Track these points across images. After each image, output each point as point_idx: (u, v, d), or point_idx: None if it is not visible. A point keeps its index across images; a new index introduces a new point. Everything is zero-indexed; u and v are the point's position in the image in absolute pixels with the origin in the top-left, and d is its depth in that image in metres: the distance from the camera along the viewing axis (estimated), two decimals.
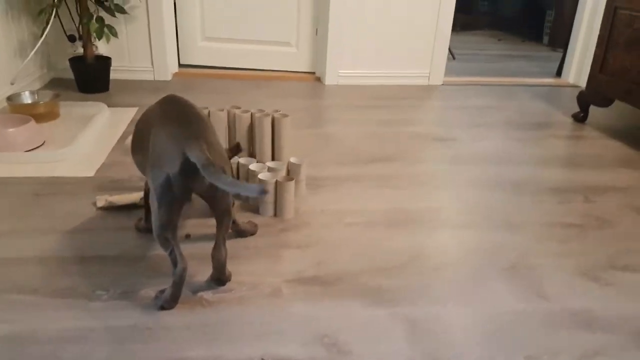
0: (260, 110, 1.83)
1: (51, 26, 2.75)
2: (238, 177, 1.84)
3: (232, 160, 1.65)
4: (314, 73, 3.61)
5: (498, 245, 1.64)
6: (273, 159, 1.87)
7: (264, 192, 1.07)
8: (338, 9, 3.27)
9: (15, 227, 1.59)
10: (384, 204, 1.87)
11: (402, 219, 1.77)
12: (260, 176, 1.67)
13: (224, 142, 1.84)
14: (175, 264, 1.25)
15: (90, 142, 2.19)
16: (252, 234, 1.58)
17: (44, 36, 2.73)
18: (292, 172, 1.84)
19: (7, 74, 2.62)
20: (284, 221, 1.70)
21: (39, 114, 2.35)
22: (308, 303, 1.33)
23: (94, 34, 2.82)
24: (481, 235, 1.69)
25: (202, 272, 1.41)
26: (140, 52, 3.22)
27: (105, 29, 2.82)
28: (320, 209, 1.81)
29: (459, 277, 1.47)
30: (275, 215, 1.71)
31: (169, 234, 1.23)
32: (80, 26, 2.85)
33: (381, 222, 1.75)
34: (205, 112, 1.78)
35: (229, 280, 1.38)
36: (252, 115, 1.81)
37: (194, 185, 1.20)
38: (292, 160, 1.85)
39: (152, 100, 1.60)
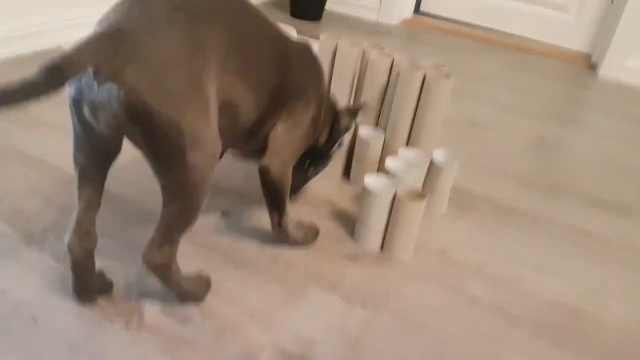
0: (414, 62, 1.12)
1: None
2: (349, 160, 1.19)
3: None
4: (589, 56, 2.55)
5: None
6: (408, 143, 1.16)
7: None
8: None
9: None
10: (566, 287, 0.99)
11: (586, 332, 0.89)
12: (366, 180, 0.99)
13: (345, 100, 1.21)
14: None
15: None
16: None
17: None
18: (430, 175, 1.11)
19: None
20: (388, 263, 1.01)
21: None
22: None
23: None
24: None
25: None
26: None
27: None
28: (439, 249, 1.05)
29: None
30: (382, 249, 1.02)
31: (77, 170, 0.73)
32: None
33: (542, 325, 0.90)
34: (333, 44, 1.17)
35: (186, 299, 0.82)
36: (392, 63, 1.12)
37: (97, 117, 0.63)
38: (436, 155, 1.11)
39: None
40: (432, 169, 1.10)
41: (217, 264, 0.92)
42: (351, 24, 2.62)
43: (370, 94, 1.16)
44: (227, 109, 0.74)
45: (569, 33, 2.58)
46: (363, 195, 0.98)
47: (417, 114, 1.12)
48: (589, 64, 2.50)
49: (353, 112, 1.02)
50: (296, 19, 2.55)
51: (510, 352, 0.84)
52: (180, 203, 0.70)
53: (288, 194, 0.91)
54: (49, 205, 0.99)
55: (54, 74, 0.53)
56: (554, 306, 0.94)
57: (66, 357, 0.72)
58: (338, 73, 1.19)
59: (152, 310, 0.81)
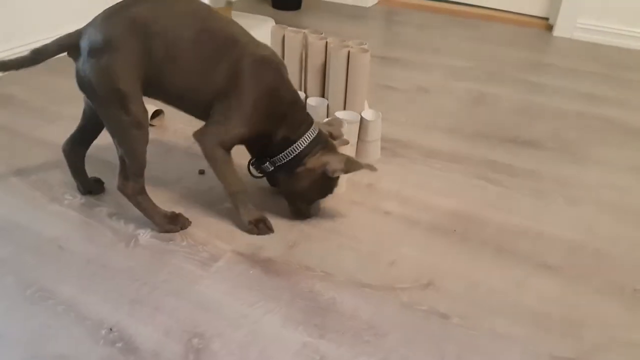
0: (342, 41, 1.41)
1: None
2: None
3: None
4: (547, 19, 2.77)
5: None
6: (345, 107, 1.46)
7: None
8: None
9: None
10: (470, 206, 1.28)
11: (482, 236, 1.19)
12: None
13: (297, 77, 1.50)
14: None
15: None
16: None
17: None
18: (362, 129, 1.41)
19: None
20: None
21: None
22: (230, 284, 1.00)
23: None
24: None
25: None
26: None
27: None
28: (368, 183, 1.35)
29: None
30: None
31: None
32: None
33: (443, 229, 1.20)
34: (281, 33, 1.47)
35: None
36: (326, 44, 1.41)
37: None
38: (365, 114, 1.41)
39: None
40: (363, 124, 1.40)
41: (194, 204, 1.24)
42: (329, 9, 2.89)
43: (314, 69, 1.45)
44: (166, 87, 1.06)
45: (529, 0, 2.80)
46: None
47: (348, 83, 1.41)
48: (548, 26, 2.73)
49: (333, 135, 1.18)
50: (277, 10, 2.83)
51: (406, 244, 1.14)
52: (122, 149, 1.04)
53: (221, 174, 1.09)
54: (65, 177, 1.31)
55: (36, 55, 0.99)
56: (448, 214, 1.24)
57: (84, 267, 1.05)
58: (288, 56, 1.48)
59: (145, 236, 1.14)
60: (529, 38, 2.58)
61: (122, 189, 1.08)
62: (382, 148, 1.48)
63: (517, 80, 2.04)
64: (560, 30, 2.61)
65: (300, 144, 1.09)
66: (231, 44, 1.06)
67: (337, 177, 1.14)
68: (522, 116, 1.75)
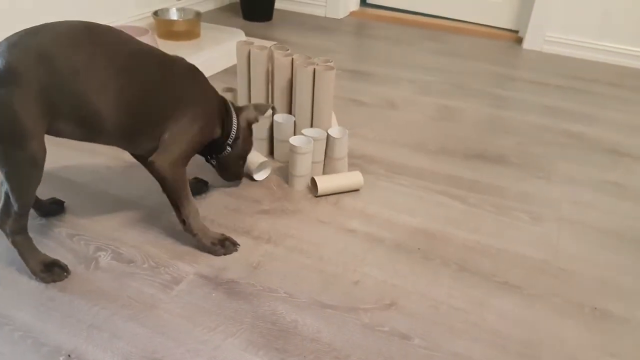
0: (308, 58, 1.41)
1: None
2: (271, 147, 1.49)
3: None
4: (517, 32, 2.83)
5: None
6: (312, 124, 1.46)
7: None
8: None
9: None
10: (434, 223, 1.29)
11: (445, 254, 1.20)
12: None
13: (263, 93, 1.50)
14: None
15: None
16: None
17: None
18: (329, 146, 1.41)
19: None
20: (280, 197, 1.33)
21: (179, 32, 2.37)
22: (191, 308, 0.98)
23: None
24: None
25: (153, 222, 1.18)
26: None
27: None
28: (334, 201, 1.35)
29: None
30: (288, 184, 1.41)
31: None
32: None
33: (406, 247, 1.21)
34: (247, 49, 1.46)
35: None
36: (292, 61, 1.42)
37: None
38: (331, 131, 1.41)
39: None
40: (329, 142, 1.40)
41: (156, 222, 1.23)
42: (301, 21, 2.90)
43: (280, 86, 1.45)
44: (86, 121, 0.97)
45: (498, 13, 2.85)
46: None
47: (314, 100, 1.41)
48: (517, 39, 2.78)
49: (260, 108, 1.30)
50: (248, 22, 2.83)
51: (370, 263, 1.14)
52: (9, 185, 0.95)
53: (183, 194, 1.08)
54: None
55: None
56: (412, 232, 1.25)
57: (42, 292, 1.03)
58: (254, 71, 1.48)
59: (105, 258, 1.12)
60: (499, 51, 2.62)
61: (0, 225, 1.01)
62: (350, 164, 1.49)
63: (484, 94, 2.07)
64: (529, 43, 2.66)
65: (234, 120, 1.23)
66: (157, 61, 1.05)
67: (251, 130, 1.30)
68: (487, 131, 1.78)
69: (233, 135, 1.23)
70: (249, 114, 1.27)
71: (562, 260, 1.20)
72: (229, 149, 1.24)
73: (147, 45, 1.06)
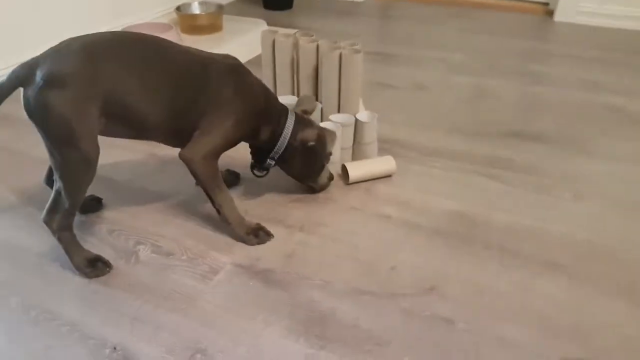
0: (333, 43, 1.39)
1: None
2: None
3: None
4: (547, 4, 2.73)
5: None
6: (339, 110, 1.44)
7: None
8: None
9: None
10: (472, 206, 1.26)
11: (486, 237, 1.17)
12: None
13: (289, 82, 1.48)
14: None
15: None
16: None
17: None
18: (358, 131, 1.39)
19: None
20: (325, 202, 1.32)
21: (202, 25, 2.37)
22: (230, 298, 0.99)
23: None
24: None
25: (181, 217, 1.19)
26: None
27: None
28: (366, 188, 1.33)
29: None
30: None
31: None
32: None
33: (444, 232, 1.18)
34: (271, 38, 1.45)
35: None
36: (317, 47, 1.39)
37: None
38: (360, 116, 1.39)
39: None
40: (358, 127, 1.38)
41: (192, 216, 1.24)
42: (322, 7, 2.87)
43: (306, 73, 1.43)
44: (135, 121, 1.03)
45: None
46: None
47: (341, 85, 1.39)
48: (548, 12, 2.69)
49: (307, 111, 1.27)
50: (269, 11, 2.81)
51: (407, 249, 1.12)
52: (62, 183, 0.99)
53: (214, 184, 1.10)
54: None
55: None
56: (450, 216, 1.22)
57: (86, 287, 1.05)
58: (279, 60, 1.47)
59: (145, 251, 1.13)
60: (529, 25, 2.54)
61: (47, 221, 1.03)
62: (380, 149, 1.47)
63: (517, 71, 2.01)
64: (561, 15, 2.57)
65: (287, 132, 1.17)
66: (196, 63, 1.08)
67: (324, 147, 1.21)
68: (523, 109, 1.72)
69: (279, 152, 1.18)
70: (307, 134, 1.18)
71: (607, 239, 1.16)
72: (272, 162, 1.20)
73: (187, 47, 1.11)
